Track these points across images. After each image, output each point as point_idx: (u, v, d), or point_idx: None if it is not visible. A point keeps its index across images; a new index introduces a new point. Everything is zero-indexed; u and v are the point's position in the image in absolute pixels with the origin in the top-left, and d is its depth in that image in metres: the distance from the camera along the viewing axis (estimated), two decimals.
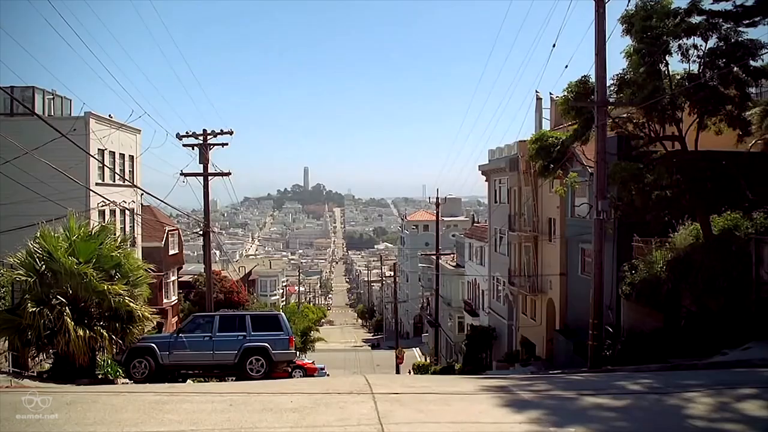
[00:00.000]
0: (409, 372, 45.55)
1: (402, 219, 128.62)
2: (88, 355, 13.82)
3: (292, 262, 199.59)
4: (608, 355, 17.09)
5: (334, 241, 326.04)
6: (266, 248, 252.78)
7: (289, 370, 21.82)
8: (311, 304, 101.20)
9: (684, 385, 8.74)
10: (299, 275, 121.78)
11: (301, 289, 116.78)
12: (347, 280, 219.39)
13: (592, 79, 16.79)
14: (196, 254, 74.26)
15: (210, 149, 27.84)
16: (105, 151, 31.15)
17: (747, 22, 15.23)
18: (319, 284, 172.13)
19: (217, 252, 74.03)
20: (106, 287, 14.01)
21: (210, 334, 17.73)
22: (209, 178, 28.04)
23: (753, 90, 16.49)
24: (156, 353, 17.32)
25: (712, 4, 15.48)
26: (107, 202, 28.19)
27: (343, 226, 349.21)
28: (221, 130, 27.99)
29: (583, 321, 19.17)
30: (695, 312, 15.25)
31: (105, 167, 31.11)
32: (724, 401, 7.71)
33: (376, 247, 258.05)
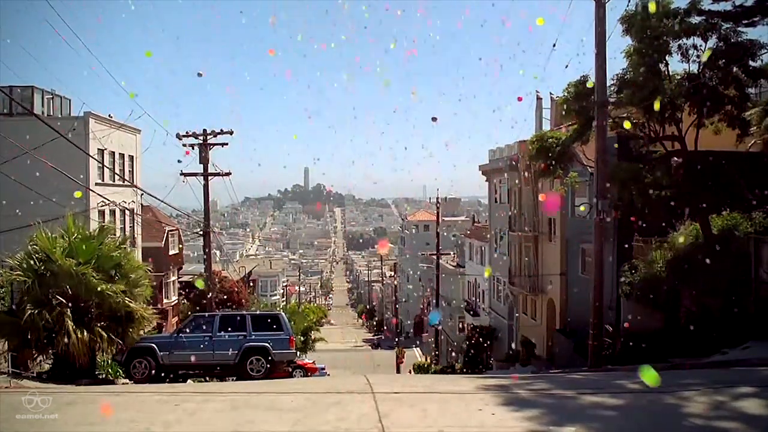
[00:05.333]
0: (410, 372, 45.54)
1: (402, 219, 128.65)
2: (88, 356, 13.82)
3: (292, 262, 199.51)
4: (608, 355, 17.09)
5: (335, 241, 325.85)
6: (267, 248, 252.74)
7: (290, 370, 21.82)
8: (312, 304, 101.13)
9: (683, 384, 8.74)
10: (299, 275, 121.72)
11: (302, 289, 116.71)
12: (348, 280, 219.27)
13: (592, 78, 16.77)
14: (196, 254, 74.16)
15: (210, 149, 27.86)
16: (105, 151, 31.16)
17: (746, 22, 15.25)
18: (319, 284, 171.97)
19: (218, 252, 74.02)
20: (105, 288, 14.01)
21: (210, 334, 17.74)
22: (209, 178, 28.06)
23: (752, 90, 16.49)
24: (156, 353, 17.32)
25: (711, 4, 15.50)
26: (107, 202, 28.20)
27: (343, 226, 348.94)
28: (221, 130, 28.04)
29: (583, 321, 19.16)
30: (695, 312, 15.25)
31: (105, 167, 31.12)
32: (722, 400, 7.72)
33: (376, 247, 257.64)
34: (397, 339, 59.00)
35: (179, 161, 27.48)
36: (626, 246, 19.22)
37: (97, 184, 29.55)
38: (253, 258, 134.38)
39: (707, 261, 14.28)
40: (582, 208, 23.92)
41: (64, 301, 13.55)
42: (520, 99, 26.02)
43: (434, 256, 48.43)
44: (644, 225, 17.34)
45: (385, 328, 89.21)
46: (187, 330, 18.25)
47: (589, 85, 16.96)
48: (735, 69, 15.38)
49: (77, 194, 25.29)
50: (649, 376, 5.96)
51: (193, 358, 17.40)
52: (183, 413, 7.38)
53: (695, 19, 15.35)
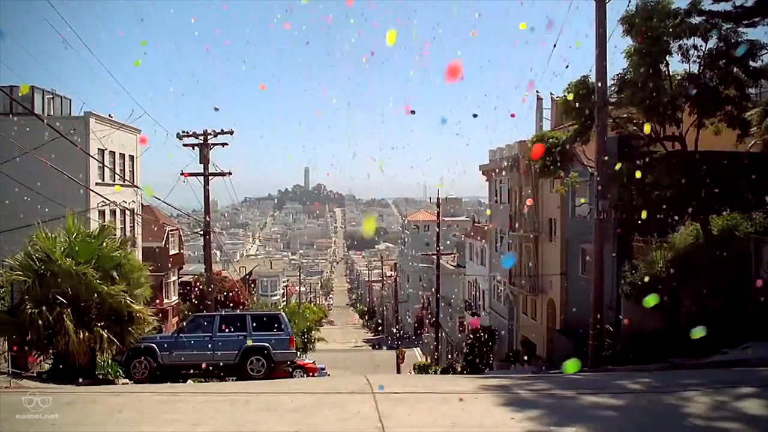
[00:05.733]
0: (410, 372, 45.53)
1: (403, 219, 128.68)
2: (88, 356, 13.82)
3: (292, 262, 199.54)
4: (608, 355, 17.09)
5: (335, 241, 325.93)
6: (267, 248, 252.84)
7: (290, 370, 21.83)
8: (312, 304, 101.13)
9: (683, 384, 8.74)
10: (300, 275, 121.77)
11: (302, 289, 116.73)
12: (348, 280, 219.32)
13: (593, 79, 16.78)
14: (196, 254, 74.22)
15: (210, 149, 27.85)
16: (105, 151, 31.17)
17: (746, 22, 15.27)
18: (319, 284, 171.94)
19: (218, 252, 74.01)
20: (106, 288, 14.00)
21: (210, 334, 17.74)
22: (209, 177, 28.06)
23: (752, 90, 16.50)
24: (156, 353, 17.32)
25: (712, 4, 15.52)
26: (107, 202, 28.20)
27: (343, 226, 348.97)
28: (221, 130, 28.02)
29: (583, 321, 19.17)
30: (695, 312, 15.25)
31: (105, 167, 31.13)
32: (723, 400, 7.71)
33: (376, 247, 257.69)
34: (397, 338, 58.95)
35: (181, 174, 27.57)
36: (626, 246, 19.23)
37: (97, 184, 29.57)
38: (253, 258, 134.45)
39: (707, 261, 14.28)
40: (582, 200, 23.96)
41: (64, 301, 13.54)
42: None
43: (434, 256, 48.43)
44: (644, 225, 17.34)
45: (387, 328, 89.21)
46: (188, 330, 18.26)
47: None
48: (735, 69, 15.39)
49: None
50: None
51: (193, 358, 17.41)
52: (183, 413, 7.38)
53: (696, 20, 15.37)
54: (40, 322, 13.01)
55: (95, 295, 13.99)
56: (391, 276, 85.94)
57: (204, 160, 27.77)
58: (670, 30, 15.21)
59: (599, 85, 16.31)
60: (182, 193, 28.88)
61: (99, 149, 30.00)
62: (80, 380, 13.11)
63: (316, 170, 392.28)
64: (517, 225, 34.01)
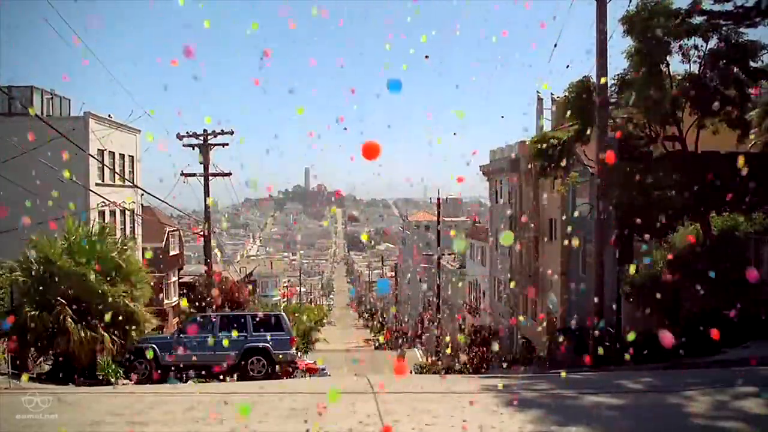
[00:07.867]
0: (410, 372, 45.49)
1: (403, 219, 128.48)
2: (88, 356, 13.84)
3: (293, 262, 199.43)
4: (608, 355, 17.06)
5: (335, 241, 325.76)
6: (267, 249, 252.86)
7: (291, 370, 21.82)
8: (314, 305, 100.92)
9: (684, 384, 8.74)
10: (300, 276, 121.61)
11: (303, 289, 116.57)
12: (348, 280, 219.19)
13: (593, 79, 16.76)
14: (196, 255, 74.13)
15: (210, 149, 27.81)
16: (105, 152, 31.14)
17: (747, 23, 15.24)
18: (320, 285, 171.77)
19: (218, 253, 73.81)
20: (106, 289, 14.00)
21: (210, 335, 17.71)
22: (210, 178, 28.01)
23: (752, 91, 16.46)
24: (156, 354, 17.31)
25: (712, 4, 15.49)
26: (107, 202, 28.17)
27: (344, 226, 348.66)
28: (222, 130, 27.96)
29: (583, 321, 19.14)
30: (695, 312, 15.21)
31: (105, 167, 31.10)
32: (723, 400, 7.72)
33: (377, 248, 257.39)
34: (399, 340, 58.92)
35: (182, 174, 27.51)
36: (626, 246, 19.18)
37: (96, 184, 29.53)
38: (253, 259, 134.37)
39: (707, 261, 14.24)
40: (579, 209, 23.93)
41: (64, 302, 13.54)
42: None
43: (435, 257, 48.33)
44: (644, 225, 17.30)
45: (390, 328, 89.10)
46: (188, 330, 18.24)
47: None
48: (735, 69, 15.37)
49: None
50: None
51: (193, 359, 17.39)
52: (183, 414, 7.38)
53: (696, 20, 15.34)
54: (40, 323, 13.03)
55: (96, 296, 14.01)
56: (391, 276, 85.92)
57: (204, 160, 27.73)
58: (671, 30, 15.19)
59: (599, 84, 16.30)
60: (183, 194, 28.84)
61: (99, 149, 29.95)
62: (80, 381, 13.14)
63: (316, 171, 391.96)
64: (517, 225, 33.96)
